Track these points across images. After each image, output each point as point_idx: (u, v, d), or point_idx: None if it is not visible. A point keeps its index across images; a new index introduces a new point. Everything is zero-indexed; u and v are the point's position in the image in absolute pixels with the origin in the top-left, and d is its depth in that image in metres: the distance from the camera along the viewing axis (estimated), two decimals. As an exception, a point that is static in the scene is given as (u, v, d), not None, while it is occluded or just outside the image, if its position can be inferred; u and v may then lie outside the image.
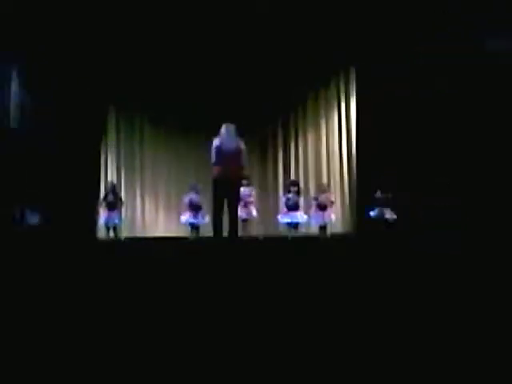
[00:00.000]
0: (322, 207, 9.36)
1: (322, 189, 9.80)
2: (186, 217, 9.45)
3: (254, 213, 9.42)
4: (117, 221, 9.42)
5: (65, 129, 9.76)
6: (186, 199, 9.49)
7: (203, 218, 9.12)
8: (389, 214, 9.00)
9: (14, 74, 9.24)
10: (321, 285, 3.40)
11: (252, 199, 9.40)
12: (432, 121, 9.24)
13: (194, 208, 9.30)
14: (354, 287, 3.22)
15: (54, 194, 9.24)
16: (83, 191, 9.99)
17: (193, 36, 9.89)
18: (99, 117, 10.71)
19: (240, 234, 8.18)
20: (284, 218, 9.40)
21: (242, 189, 8.98)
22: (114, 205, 9.31)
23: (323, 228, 9.47)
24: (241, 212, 8.84)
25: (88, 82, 10.03)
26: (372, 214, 9.17)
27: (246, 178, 9.36)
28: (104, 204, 9.36)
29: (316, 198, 9.57)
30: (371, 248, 7.22)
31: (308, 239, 9.60)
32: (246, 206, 9.12)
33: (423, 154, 9.22)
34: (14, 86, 9.25)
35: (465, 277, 3.65)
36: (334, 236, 9.52)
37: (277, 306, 2.59)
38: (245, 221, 9.21)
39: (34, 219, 8.35)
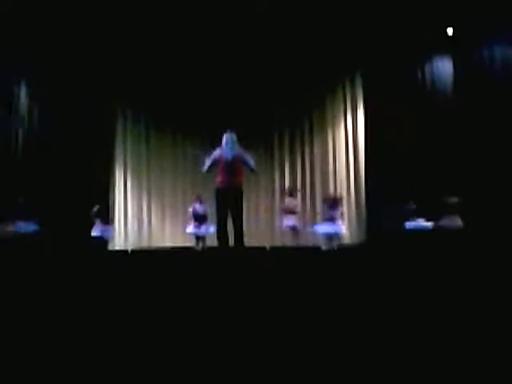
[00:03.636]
0: (331, 219, 9.20)
1: (330, 199, 9.63)
2: (190, 227, 9.38)
3: (297, 222, 9.52)
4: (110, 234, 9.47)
5: (72, 135, 9.74)
6: (190, 209, 9.43)
7: (208, 228, 9.00)
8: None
9: (21, 78, 9.25)
10: (327, 296, 3.30)
11: (297, 209, 9.68)
12: (441, 128, 9.10)
13: (198, 218, 9.22)
14: (361, 299, 3.12)
15: (61, 203, 9.20)
16: (91, 200, 9.94)
17: (200, 42, 9.89)
18: (108, 125, 10.68)
19: (292, 243, 8.89)
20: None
21: (287, 199, 9.22)
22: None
23: (331, 239, 9.30)
24: (288, 221, 9.26)
25: (94, 91, 10.05)
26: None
27: (294, 189, 10.07)
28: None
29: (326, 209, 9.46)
30: (380, 260, 7.08)
31: (315, 249, 9.45)
32: (292, 215, 9.35)
33: (433, 161, 9.06)
34: (22, 91, 9.26)
35: (476, 292, 3.51)
36: (342, 247, 9.36)
37: (282, 317, 2.52)
38: (293, 229, 9.40)
39: (26, 227, 8.30)
